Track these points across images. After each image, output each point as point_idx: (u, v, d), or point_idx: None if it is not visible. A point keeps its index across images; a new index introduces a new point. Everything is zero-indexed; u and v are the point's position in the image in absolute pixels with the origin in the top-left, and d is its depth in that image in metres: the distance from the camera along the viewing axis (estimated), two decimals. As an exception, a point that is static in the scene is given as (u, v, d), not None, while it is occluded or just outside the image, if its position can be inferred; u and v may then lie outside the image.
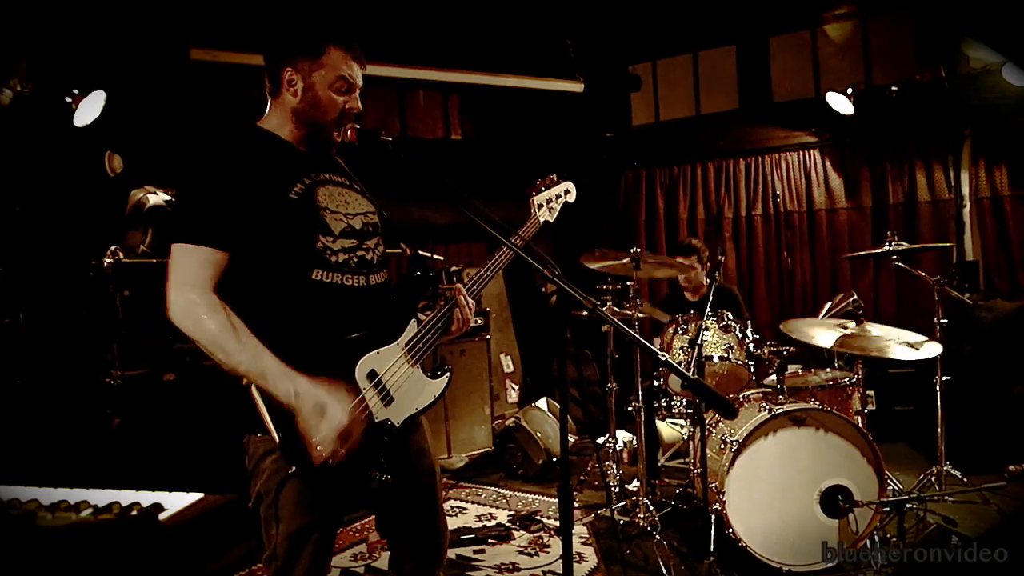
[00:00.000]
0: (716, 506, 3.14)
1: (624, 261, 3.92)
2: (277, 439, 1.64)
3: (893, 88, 5.07)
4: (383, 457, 1.78)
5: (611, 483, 4.02)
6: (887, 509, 3.06)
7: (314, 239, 1.76)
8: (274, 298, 1.73)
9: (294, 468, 1.65)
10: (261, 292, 1.72)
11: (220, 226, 1.67)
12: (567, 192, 2.31)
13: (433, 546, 2.06)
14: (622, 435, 4.70)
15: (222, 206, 1.68)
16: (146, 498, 1.28)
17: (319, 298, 1.76)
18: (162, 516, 1.22)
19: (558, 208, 2.28)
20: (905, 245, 3.88)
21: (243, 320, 1.65)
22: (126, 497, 1.26)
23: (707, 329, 3.64)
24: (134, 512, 1.20)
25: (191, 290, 1.64)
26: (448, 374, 1.98)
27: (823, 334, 3.55)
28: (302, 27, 1.86)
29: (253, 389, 1.65)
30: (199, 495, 1.32)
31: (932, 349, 3.46)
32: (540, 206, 2.24)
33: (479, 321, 5.11)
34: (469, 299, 1.99)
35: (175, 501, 1.29)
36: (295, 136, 1.86)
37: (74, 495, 1.28)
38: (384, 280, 1.94)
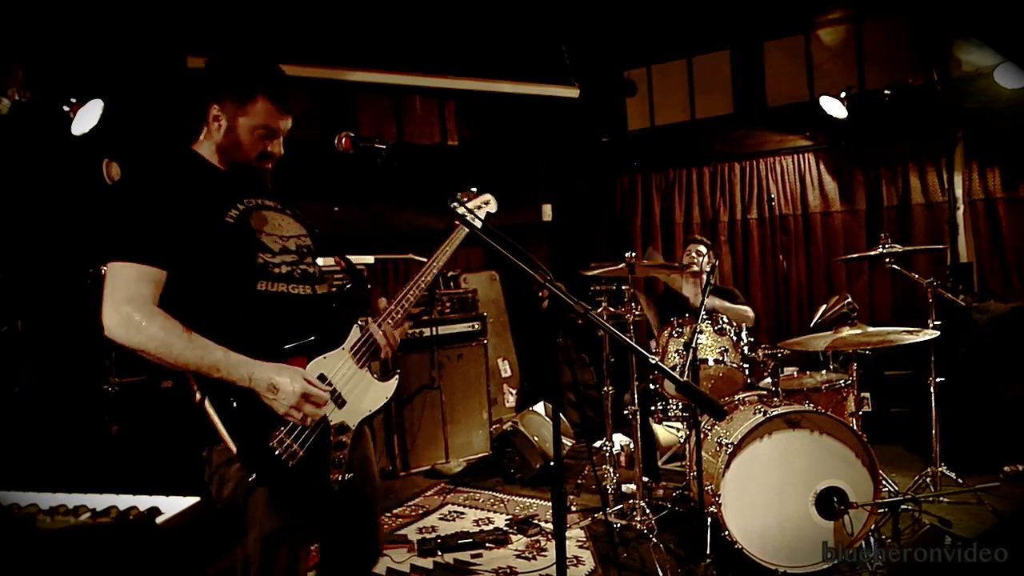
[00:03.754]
0: (712, 508, 3.15)
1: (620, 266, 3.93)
2: (235, 449, 1.65)
3: (886, 91, 5.10)
4: (341, 458, 1.83)
5: (607, 487, 4.04)
6: (882, 510, 3.07)
7: (254, 256, 1.79)
8: (219, 309, 1.74)
9: (254, 476, 1.66)
10: (206, 305, 1.73)
11: (155, 244, 1.69)
12: (487, 203, 2.51)
13: (366, 557, 2.10)
14: (619, 439, 4.71)
15: (156, 225, 1.70)
16: (143, 502, 1.29)
17: (266, 306, 1.79)
18: (159, 520, 1.23)
19: (481, 216, 2.40)
20: (899, 247, 3.89)
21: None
22: (123, 501, 1.28)
23: (702, 332, 3.64)
24: (132, 516, 1.22)
25: (126, 304, 1.64)
26: (397, 375, 2.03)
27: (820, 341, 3.56)
28: (236, 70, 1.87)
29: (207, 404, 1.66)
30: (196, 499, 1.33)
31: (930, 333, 3.47)
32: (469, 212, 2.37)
33: (476, 326, 5.12)
34: (387, 330, 1.99)
35: (172, 505, 1.30)
36: (224, 165, 1.90)
37: (72, 499, 1.29)
38: (328, 292, 1.99)
